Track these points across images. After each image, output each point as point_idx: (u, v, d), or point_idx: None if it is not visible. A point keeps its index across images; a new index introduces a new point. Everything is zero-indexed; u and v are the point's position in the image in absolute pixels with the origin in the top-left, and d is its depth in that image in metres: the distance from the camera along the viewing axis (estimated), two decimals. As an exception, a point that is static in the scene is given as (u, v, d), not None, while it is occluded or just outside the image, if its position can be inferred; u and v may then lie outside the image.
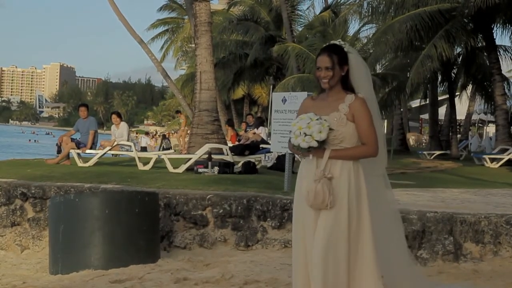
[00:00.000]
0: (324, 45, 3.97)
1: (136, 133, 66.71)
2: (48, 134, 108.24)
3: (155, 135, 44.72)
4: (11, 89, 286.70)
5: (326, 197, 3.65)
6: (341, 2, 30.91)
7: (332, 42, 3.99)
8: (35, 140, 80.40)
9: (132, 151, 12.50)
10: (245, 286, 5.61)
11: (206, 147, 11.35)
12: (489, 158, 17.56)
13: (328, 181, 3.68)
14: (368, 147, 3.77)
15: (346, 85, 3.83)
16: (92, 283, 5.87)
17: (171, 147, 25.95)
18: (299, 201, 3.87)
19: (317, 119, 3.69)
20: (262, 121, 20.12)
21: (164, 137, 31.62)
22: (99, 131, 13.44)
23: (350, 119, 3.75)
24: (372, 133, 3.77)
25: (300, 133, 3.69)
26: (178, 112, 32.72)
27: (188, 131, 24.83)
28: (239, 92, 38.24)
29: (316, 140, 3.66)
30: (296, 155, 4.16)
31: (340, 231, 3.67)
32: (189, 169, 11.11)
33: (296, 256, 3.87)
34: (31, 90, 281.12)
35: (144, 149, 30.00)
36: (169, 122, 77.46)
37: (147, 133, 41.04)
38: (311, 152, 3.74)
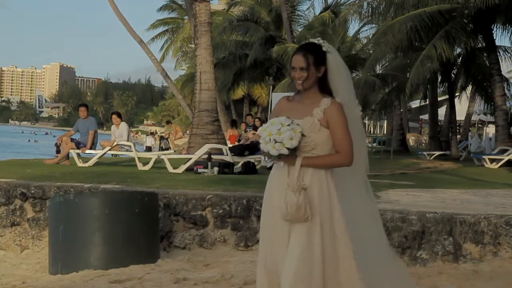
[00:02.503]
0: (301, 44, 3.71)
1: (136, 133, 66.71)
2: (47, 134, 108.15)
3: (155, 134, 44.69)
4: (11, 89, 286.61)
5: (307, 210, 3.40)
6: (341, 2, 30.98)
7: (310, 40, 3.71)
8: (35, 140, 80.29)
9: (132, 151, 12.51)
10: (244, 286, 5.61)
11: (206, 148, 11.36)
12: (488, 159, 17.54)
13: (306, 192, 3.44)
14: (342, 156, 3.50)
15: (324, 88, 3.56)
16: (92, 283, 5.88)
17: (169, 148, 25.96)
18: (269, 212, 3.59)
19: (288, 125, 3.43)
20: (261, 122, 20.15)
21: (162, 138, 31.63)
22: (99, 131, 13.46)
23: (324, 125, 3.49)
24: (347, 141, 3.50)
25: (270, 139, 3.44)
26: (168, 122, 32.79)
27: (181, 135, 24.80)
28: (239, 92, 38.26)
29: (287, 148, 3.41)
30: None
31: (312, 244, 3.42)
32: (189, 169, 11.12)
33: (261, 272, 3.61)
34: (31, 90, 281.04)
35: (149, 149, 30.01)
36: (169, 122, 77.48)
37: (152, 133, 40.94)
38: (281, 159, 3.50)
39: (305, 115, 3.51)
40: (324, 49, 3.57)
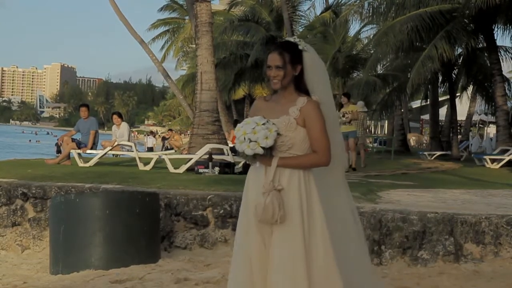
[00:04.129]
0: (277, 42, 3.76)
1: (137, 133, 66.71)
2: (48, 134, 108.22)
3: (156, 135, 44.70)
4: (12, 89, 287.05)
5: (276, 212, 3.32)
6: (342, 2, 30.98)
7: (286, 38, 3.65)
8: (37, 141, 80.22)
9: (132, 151, 12.51)
10: (245, 286, 5.60)
11: (207, 148, 11.36)
12: (489, 159, 17.52)
13: (278, 194, 3.35)
14: (319, 155, 3.42)
15: (300, 86, 3.50)
16: (93, 283, 5.88)
17: (172, 148, 26.02)
18: (245, 213, 3.52)
19: (263, 124, 3.36)
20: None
21: (164, 138, 31.68)
22: (99, 131, 13.47)
23: (301, 123, 3.41)
24: (324, 140, 3.42)
25: (245, 138, 3.37)
26: (170, 130, 33.01)
27: (181, 143, 24.89)
28: (240, 92, 38.26)
29: (262, 147, 3.34)
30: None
31: (295, 247, 3.35)
32: (190, 170, 11.12)
33: (237, 274, 3.50)
34: (32, 90, 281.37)
35: (151, 149, 30.03)
36: (169, 123, 77.56)
37: (152, 133, 40.94)
38: (257, 159, 3.43)
39: (281, 114, 3.45)
40: (300, 47, 3.51)
